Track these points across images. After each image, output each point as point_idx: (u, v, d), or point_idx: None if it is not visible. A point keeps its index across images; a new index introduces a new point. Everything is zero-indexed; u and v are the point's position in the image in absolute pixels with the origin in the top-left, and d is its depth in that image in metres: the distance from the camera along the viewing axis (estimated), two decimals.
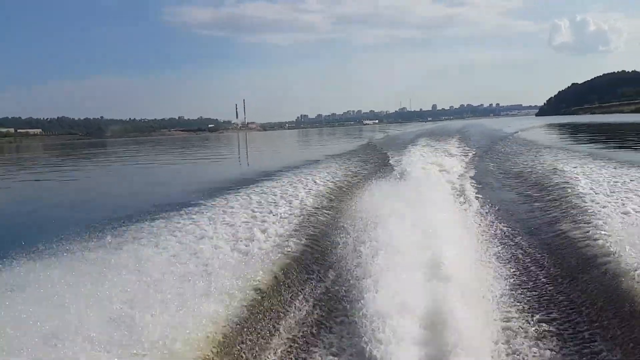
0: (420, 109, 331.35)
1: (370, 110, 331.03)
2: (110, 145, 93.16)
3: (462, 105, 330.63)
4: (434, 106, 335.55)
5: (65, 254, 6.32)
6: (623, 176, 10.31)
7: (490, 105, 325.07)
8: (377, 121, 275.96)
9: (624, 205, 7.64)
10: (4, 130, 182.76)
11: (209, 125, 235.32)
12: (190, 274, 5.32)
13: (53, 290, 4.72)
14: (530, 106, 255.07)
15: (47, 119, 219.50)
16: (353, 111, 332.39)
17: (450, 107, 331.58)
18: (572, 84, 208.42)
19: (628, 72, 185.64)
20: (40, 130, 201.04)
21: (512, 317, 4.84)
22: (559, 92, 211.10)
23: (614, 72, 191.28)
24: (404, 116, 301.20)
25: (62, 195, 17.86)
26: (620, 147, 22.74)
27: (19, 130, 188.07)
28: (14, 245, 6.61)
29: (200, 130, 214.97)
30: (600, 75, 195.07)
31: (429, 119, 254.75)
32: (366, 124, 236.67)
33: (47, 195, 17.91)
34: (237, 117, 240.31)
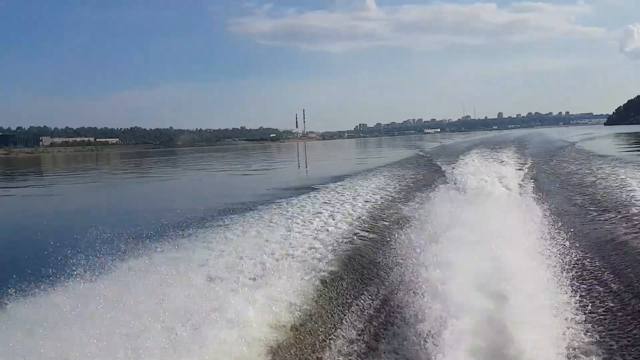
0: (486, 117, 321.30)
1: (432, 119, 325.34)
2: (189, 153, 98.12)
3: (529, 114, 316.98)
4: (500, 114, 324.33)
5: None
6: None
7: (560, 113, 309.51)
8: (439, 130, 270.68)
9: None
10: (85, 139, 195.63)
11: (271, 135, 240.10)
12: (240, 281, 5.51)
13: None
14: (601, 115, 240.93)
15: (121, 129, 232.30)
16: (413, 120, 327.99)
17: (517, 115, 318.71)
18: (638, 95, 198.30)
19: None
20: (118, 139, 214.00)
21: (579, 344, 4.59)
22: (628, 101, 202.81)
23: None
24: (467, 124, 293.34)
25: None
26: None
27: (98, 140, 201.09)
28: None
29: (263, 140, 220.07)
30: None
31: (494, 127, 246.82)
32: (427, 133, 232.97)
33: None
34: (297, 126, 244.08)
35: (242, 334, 4.29)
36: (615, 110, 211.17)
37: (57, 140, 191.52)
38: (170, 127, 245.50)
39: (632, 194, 10.29)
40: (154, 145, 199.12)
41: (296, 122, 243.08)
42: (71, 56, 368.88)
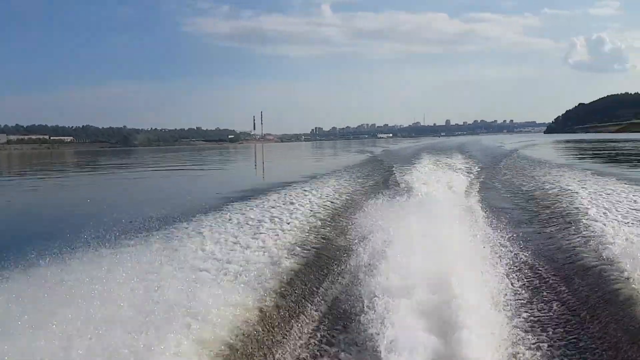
0: (434, 124, 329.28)
1: (385, 124, 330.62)
2: (151, 152, 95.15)
3: (475, 121, 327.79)
4: (448, 121, 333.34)
5: None
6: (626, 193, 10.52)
7: (504, 121, 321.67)
8: (391, 135, 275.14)
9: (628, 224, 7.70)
10: (41, 137, 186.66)
11: (229, 136, 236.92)
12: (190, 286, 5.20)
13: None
14: (543, 123, 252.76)
15: (73, 127, 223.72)
16: (367, 124, 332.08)
17: (464, 122, 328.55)
18: (579, 103, 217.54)
19: (631, 94, 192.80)
20: (72, 137, 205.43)
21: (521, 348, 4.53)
22: (567, 111, 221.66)
23: (617, 94, 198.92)
24: (417, 131, 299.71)
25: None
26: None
27: (52, 138, 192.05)
28: None
29: (222, 141, 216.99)
30: (604, 97, 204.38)
31: (442, 134, 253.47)
32: (380, 137, 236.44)
33: None
34: (254, 128, 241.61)
35: (195, 340, 4.08)
36: (555, 119, 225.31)
37: (13, 137, 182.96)
38: (124, 126, 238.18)
39: (574, 198, 10.52)
40: (110, 144, 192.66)
41: (254, 124, 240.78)
42: (17, 51, 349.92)
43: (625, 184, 12.43)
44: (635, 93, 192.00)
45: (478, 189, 14.26)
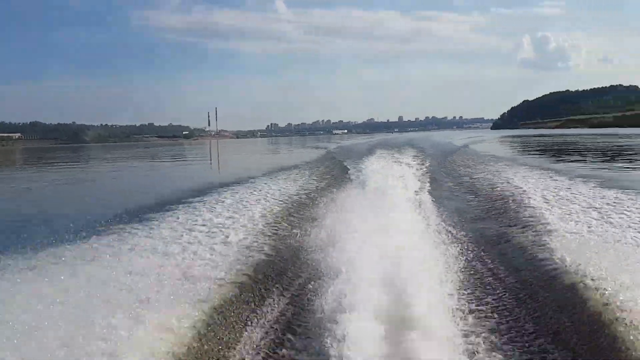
0: (388, 120, 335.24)
1: (340, 120, 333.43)
2: (112, 149, 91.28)
3: (427, 118, 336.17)
4: (401, 118, 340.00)
5: None
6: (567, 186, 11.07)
7: (454, 118, 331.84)
8: (345, 131, 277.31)
9: (569, 214, 8.19)
10: None
11: (184, 133, 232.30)
12: (144, 283, 5.19)
13: None
14: (491, 119, 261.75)
15: (20, 123, 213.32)
16: (322, 121, 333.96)
17: (416, 119, 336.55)
18: (524, 100, 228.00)
19: (572, 91, 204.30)
20: (20, 135, 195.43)
21: (472, 330, 4.71)
22: (512, 107, 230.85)
23: (559, 92, 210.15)
24: (371, 127, 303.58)
25: None
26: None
27: (1, 135, 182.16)
28: None
29: (176, 137, 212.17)
30: (547, 94, 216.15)
31: (395, 130, 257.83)
32: (335, 134, 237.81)
33: None
34: (209, 124, 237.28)
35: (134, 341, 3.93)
36: (501, 115, 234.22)
37: None
38: (73, 122, 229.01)
39: (522, 192, 10.89)
40: (61, 141, 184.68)
41: (208, 120, 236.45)
42: None
43: (562, 176, 13.26)
44: (575, 90, 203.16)
45: (428, 183, 14.61)
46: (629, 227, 7.18)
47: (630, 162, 21.74)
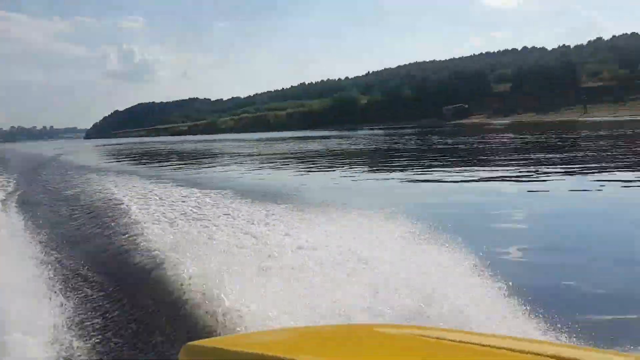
0: None
1: None
2: None
3: (13, 127, 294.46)
4: None
5: None
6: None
7: (44, 127, 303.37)
8: None
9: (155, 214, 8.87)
10: None
11: None
12: None
13: None
14: (85, 129, 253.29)
15: None
16: None
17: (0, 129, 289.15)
18: (115, 110, 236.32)
19: (156, 102, 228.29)
20: None
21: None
22: (104, 117, 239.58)
23: (146, 103, 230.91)
24: None
25: None
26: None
27: None
28: None
29: None
30: (135, 105, 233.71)
31: None
32: None
33: None
34: None
35: None
36: (93, 125, 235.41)
37: None
38: None
39: (117, 201, 10.98)
40: None
41: None
42: None
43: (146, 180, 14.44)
44: (160, 102, 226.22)
45: (17, 204, 13.06)
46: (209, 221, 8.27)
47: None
